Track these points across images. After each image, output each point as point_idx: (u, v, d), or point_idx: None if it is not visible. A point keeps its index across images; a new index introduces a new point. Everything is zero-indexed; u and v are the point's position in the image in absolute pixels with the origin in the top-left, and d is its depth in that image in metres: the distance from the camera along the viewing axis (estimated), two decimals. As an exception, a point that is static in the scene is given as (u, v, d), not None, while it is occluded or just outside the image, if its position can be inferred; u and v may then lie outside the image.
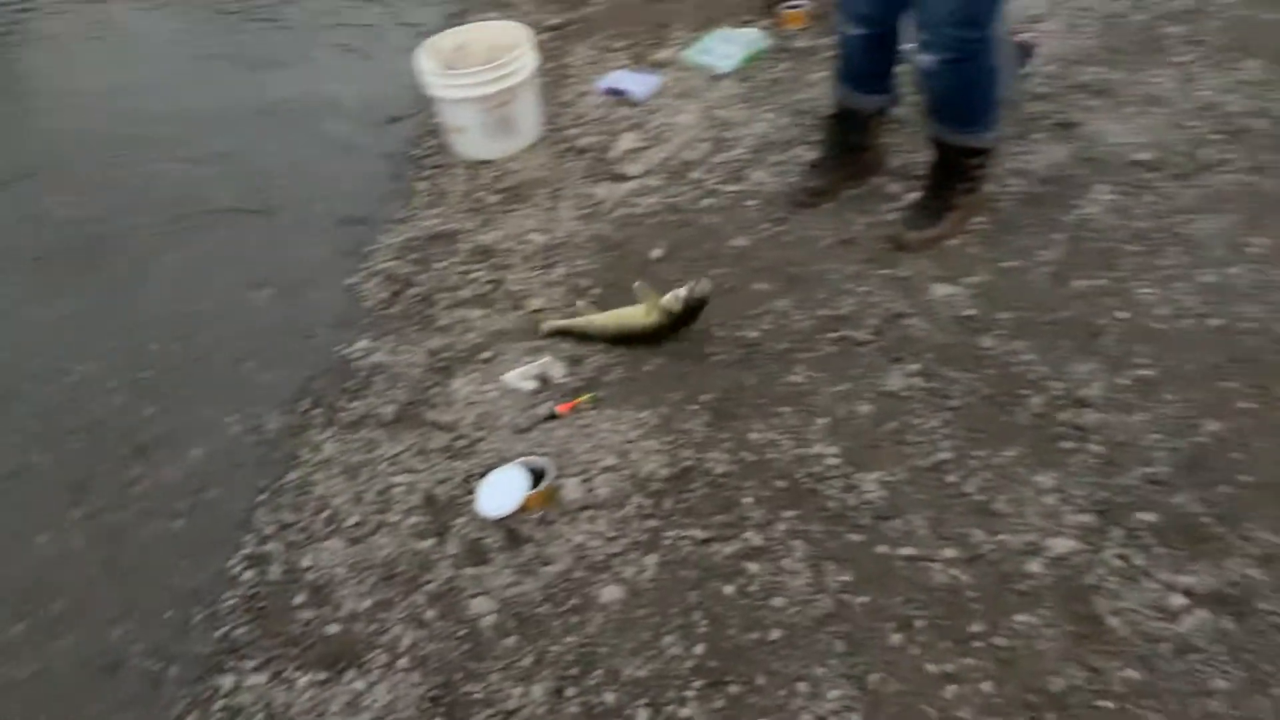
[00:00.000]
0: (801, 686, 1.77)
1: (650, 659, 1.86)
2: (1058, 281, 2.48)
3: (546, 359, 2.51)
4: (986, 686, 1.72)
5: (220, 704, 1.94)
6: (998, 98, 2.49)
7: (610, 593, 1.98)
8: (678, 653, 1.86)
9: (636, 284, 2.50)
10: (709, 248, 2.79)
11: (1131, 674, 1.70)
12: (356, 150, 3.62)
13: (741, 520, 2.07)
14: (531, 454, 2.26)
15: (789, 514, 2.06)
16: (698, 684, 1.81)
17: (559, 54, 3.85)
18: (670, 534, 2.07)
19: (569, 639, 1.92)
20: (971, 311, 2.44)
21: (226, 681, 1.97)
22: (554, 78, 3.68)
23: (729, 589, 1.95)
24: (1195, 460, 2.02)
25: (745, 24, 3.76)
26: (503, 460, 2.26)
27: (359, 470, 2.36)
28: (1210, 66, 3.10)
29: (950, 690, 1.73)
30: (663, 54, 3.72)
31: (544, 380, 2.48)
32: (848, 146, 2.85)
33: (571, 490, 2.19)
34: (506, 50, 3.25)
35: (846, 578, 1.93)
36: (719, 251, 2.77)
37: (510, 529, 2.14)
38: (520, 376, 2.48)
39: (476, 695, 1.86)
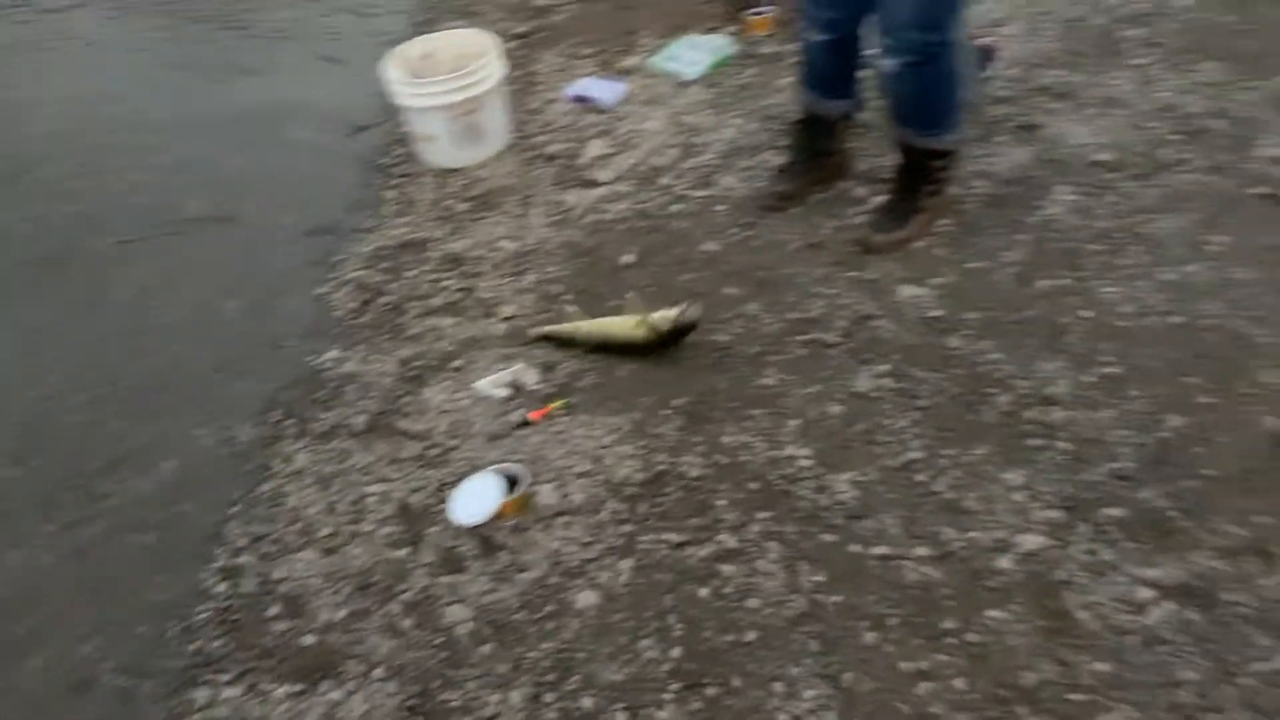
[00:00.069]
0: (777, 687, 1.79)
1: (627, 663, 1.87)
2: (1022, 281, 2.51)
3: (519, 366, 2.51)
4: (959, 682, 1.75)
5: (195, 718, 1.93)
6: (960, 100, 2.52)
7: (586, 598, 1.99)
8: (654, 656, 1.87)
9: (629, 295, 2.51)
10: (679, 253, 2.81)
11: (1101, 667, 1.73)
12: (325, 159, 3.60)
13: (716, 523, 2.08)
14: (505, 461, 2.27)
15: (763, 516, 2.08)
16: (675, 687, 1.82)
17: (526, 62, 3.86)
18: (645, 538, 2.08)
19: (545, 645, 1.93)
20: (938, 312, 2.46)
21: (201, 695, 1.96)
22: (522, 85, 3.68)
23: (704, 592, 1.96)
24: (1160, 455, 2.06)
25: (711, 30, 3.78)
26: (476, 468, 2.26)
27: (332, 481, 2.35)
28: (1168, 68, 3.15)
29: (924, 687, 1.75)
30: (630, 61, 3.73)
31: (516, 387, 2.48)
32: (814, 151, 2.87)
33: (546, 496, 2.19)
34: (473, 58, 3.25)
35: (820, 578, 1.95)
36: (689, 256, 2.79)
37: (485, 537, 2.14)
38: (492, 384, 2.48)
39: (454, 703, 1.87)
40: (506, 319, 2.70)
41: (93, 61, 4.55)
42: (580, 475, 2.23)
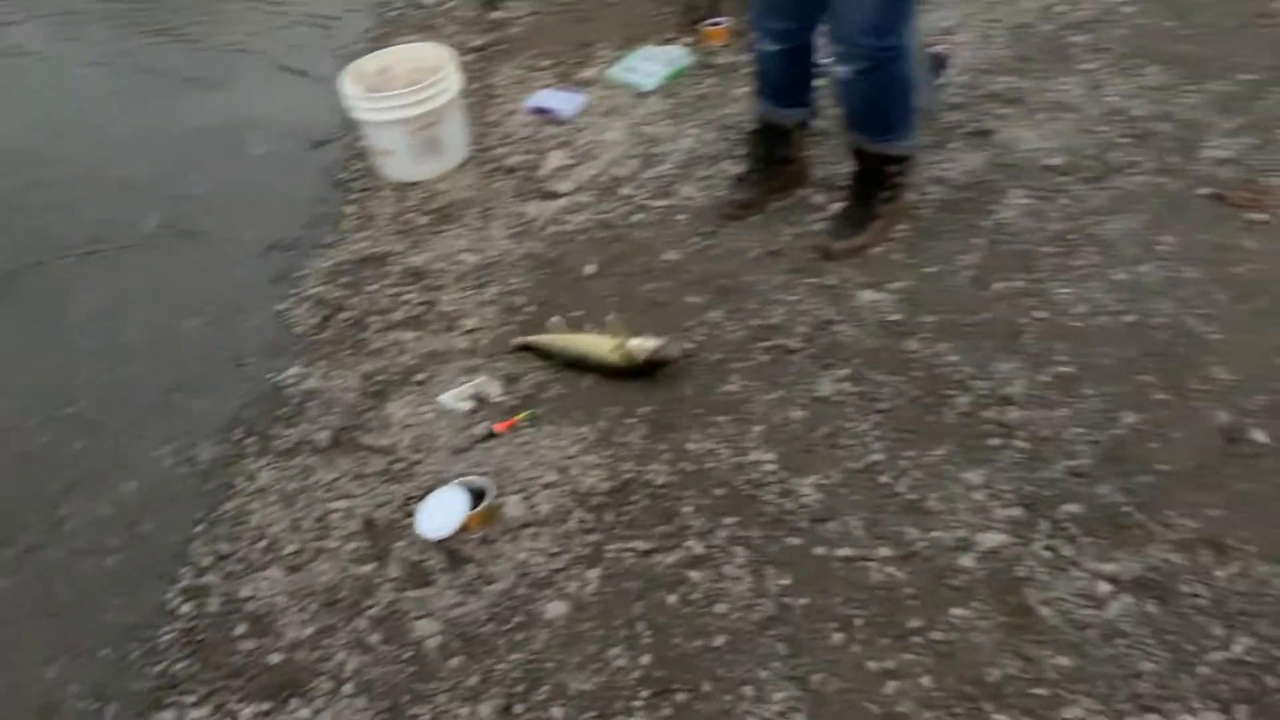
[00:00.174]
0: (747, 690, 1.80)
1: (597, 672, 1.87)
2: (978, 284, 2.55)
3: (481, 379, 2.51)
4: (926, 680, 1.77)
5: (161, 741, 1.91)
6: (912, 105, 2.56)
7: (555, 608, 1.99)
8: (624, 664, 1.88)
9: (610, 316, 2.52)
10: (641, 262, 2.82)
11: (1063, 661, 1.76)
12: (284, 174, 3.58)
13: (682, 530, 2.09)
14: (470, 474, 2.26)
15: (729, 521, 2.09)
16: (645, 694, 1.82)
17: (484, 74, 3.86)
18: (613, 547, 2.09)
19: (515, 656, 1.93)
20: (897, 316, 2.50)
21: (167, 717, 1.94)
22: (480, 98, 3.69)
23: (672, 598, 1.97)
24: (1115, 452, 2.10)
25: (668, 41, 3.80)
26: (441, 481, 2.26)
27: (296, 497, 2.34)
28: (1115, 73, 3.22)
29: (891, 686, 1.77)
30: (588, 72, 3.75)
31: (480, 400, 2.48)
32: (772, 160, 2.90)
33: (513, 508, 2.19)
34: (430, 72, 3.25)
35: (786, 581, 1.96)
36: (651, 266, 2.80)
37: (451, 550, 2.13)
38: (456, 397, 2.48)
39: (424, 717, 1.86)
40: (469, 332, 2.70)
41: (45, 77, 4.50)
42: (547, 486, 2.24)
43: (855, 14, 2.34)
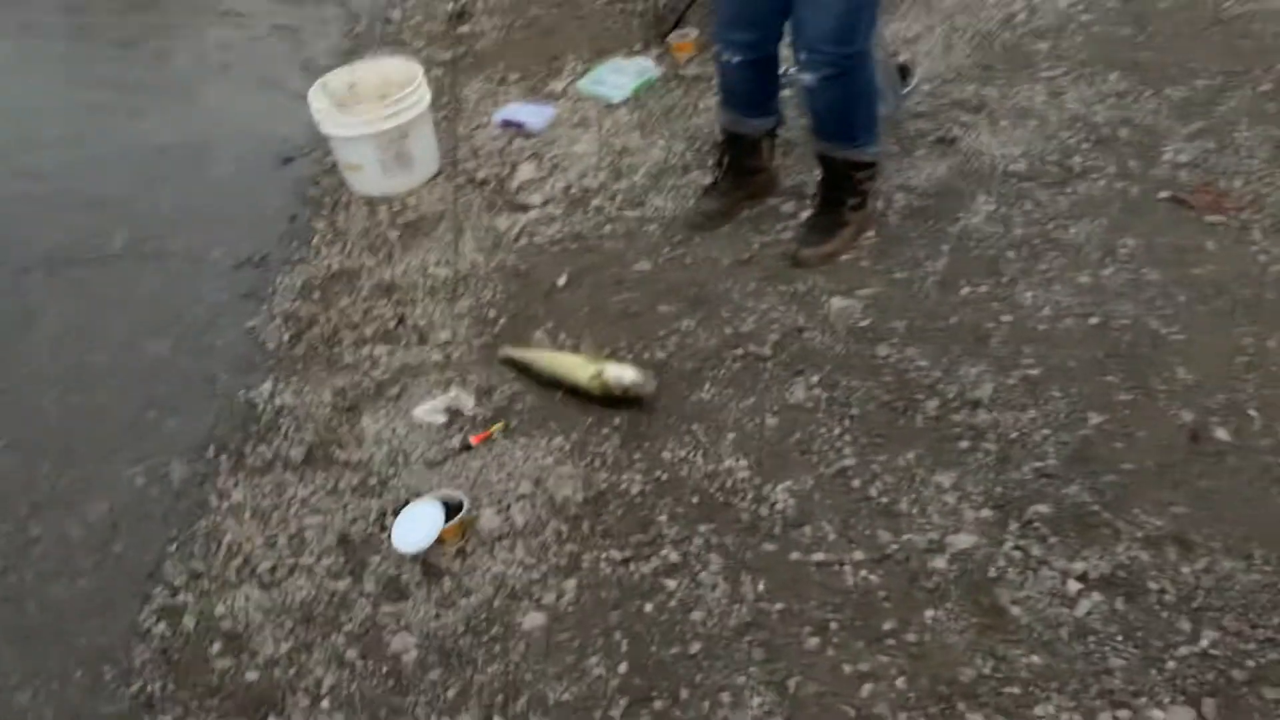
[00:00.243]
0: (724, 696, 1.81)
1: (575, 681, 1.88)
2: (945, 289, 2.59)
3: (454, 392, 2.51)
4: (900, 682, 1.79)
5: (137, 762, 1.90)
6: (876, 111, 2.60)
7: (532, 619, 2.00)
8: (602, 673, 1.88)
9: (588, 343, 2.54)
10: (613, 273, 2.84)
11: (1035, 659, 1.78)
12: (252, 191, 3.56)
13: (658, 538, 2.11)
14: (445, 487, 2.26)
15: (704, 528, 2.11)
16: (623, 703, 1.83)
17: (453, 88, 3.87)
18: (589, 556, 2.10)
19: (493, 668, 1.93)
20: (866, 322, 2.53)
21: (143, 738, 1.93)
22: (449, 112, 3.69)
23: (649, 606, 1.98)
24: (1082, 452, 2.13)
25: (636, 54, 3.82)
26: (416, 495, 2.26)
27: (270, 514, 2.33)
28: (1076, 80, 3.27)
29: (867, 688, 1.79)
30: (556, 85, 3.77)
31: (454, 413, 2.48)
32: (741, 169, 2.93)
33: (488, 520, 2.20)
34: (399, 87, 3.25)
35: (762, 586, 1.98)
36: (623, 276, 2.82)
37: (428, 563, 2.13)
38: (430, 410, 2.48)
39: (403, 731, 1.86)
40: (441, 345, 2.70)
41: (6, 92, 4.44)
42: (522, 497, 2.24)
43: (818, 22, 2.38)
